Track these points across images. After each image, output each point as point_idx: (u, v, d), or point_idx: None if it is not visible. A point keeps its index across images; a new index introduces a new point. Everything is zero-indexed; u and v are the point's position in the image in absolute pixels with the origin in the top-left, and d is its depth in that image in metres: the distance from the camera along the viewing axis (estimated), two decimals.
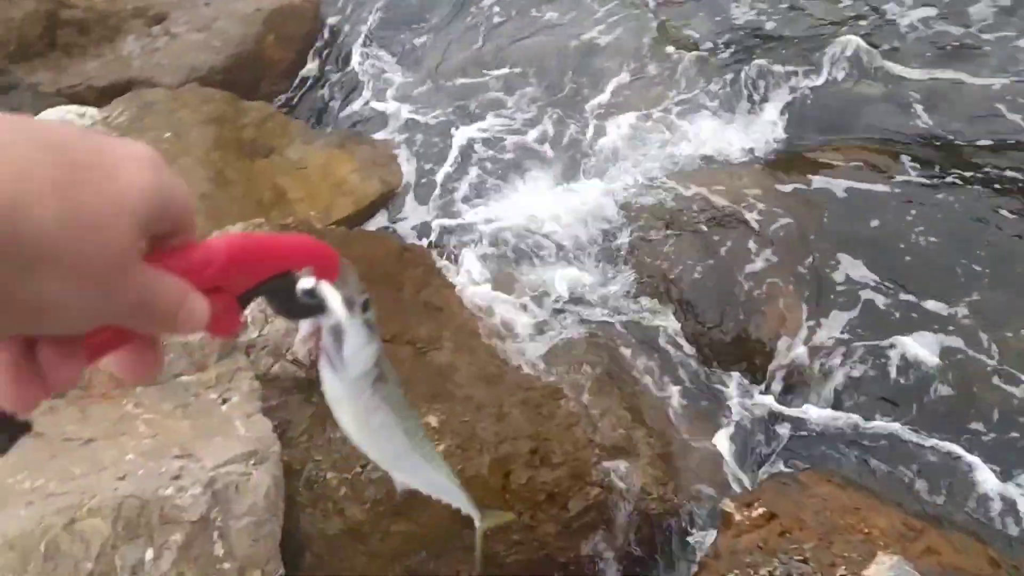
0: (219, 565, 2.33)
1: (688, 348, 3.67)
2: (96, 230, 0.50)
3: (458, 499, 1.00)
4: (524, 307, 3.85)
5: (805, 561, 2.71)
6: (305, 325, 0.69)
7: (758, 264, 3.72)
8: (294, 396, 3.16)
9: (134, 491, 2.22)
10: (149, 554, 2.20)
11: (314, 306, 0.67)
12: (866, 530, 2.85)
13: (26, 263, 0.47)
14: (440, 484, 0.92)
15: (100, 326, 0.55)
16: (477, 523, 1.24)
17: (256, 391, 2.88)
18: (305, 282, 0.65)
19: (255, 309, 3.10)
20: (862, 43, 4.66)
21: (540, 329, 3.76)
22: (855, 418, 3.36)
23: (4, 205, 0.45)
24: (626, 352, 3.68)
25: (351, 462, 3.06)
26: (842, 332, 3.59)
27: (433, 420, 3.14)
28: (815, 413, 3.45)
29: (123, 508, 2.19)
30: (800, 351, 3.53)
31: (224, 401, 2.74)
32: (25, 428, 0.55)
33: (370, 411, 0.74)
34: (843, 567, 2.67)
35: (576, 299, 3.94)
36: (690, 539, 3.30)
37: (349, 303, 0.68)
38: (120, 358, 0.60)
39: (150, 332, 0.59)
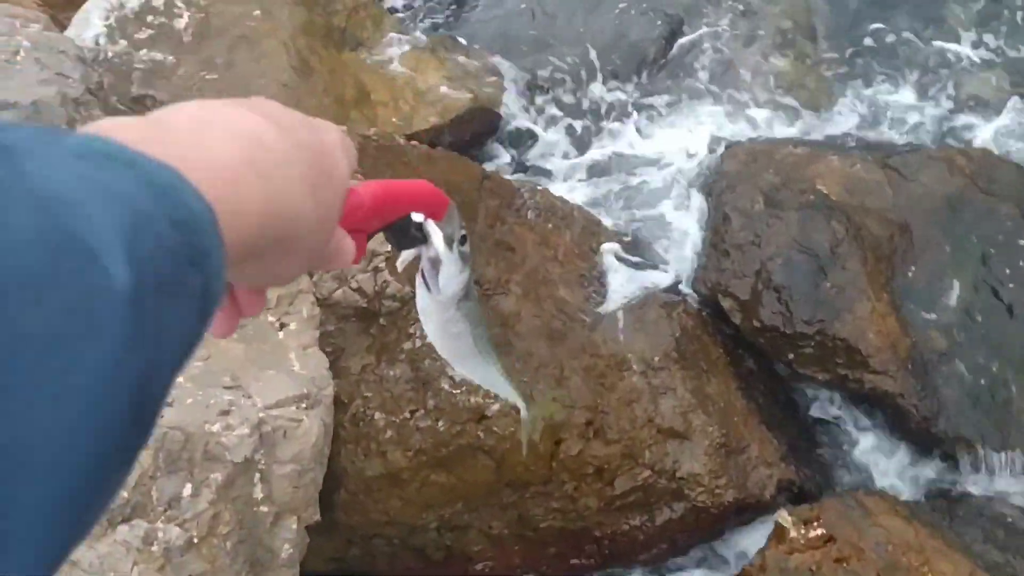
0: (256, 508, 2.23)
1: (765, 337, 3.44)
2: (331, 219, 0.61)
3: (507, 392, 1.20)
4: (600, 263, 3.63)
5: None
6: (409, 254, 0.81)
7: (854, 262, 3.45)
8: (351, 324, 3.02)
9: (180, 423, 2.10)
10: (187, 489, 2.09)
11: (419, 239, 0.78)
12: (929, 574, 2.68)
13: (291, 251, 0.57)
14: (493, 379, 1.11)
15: None
16: (523, 413, 1.44)
17: (315, 317, 2.74)
18: (415, 218, 0.76)
19: None
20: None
21: (613, 290, 3.55)
22: (944, 448, 3.14)
23: (289, 214, 0.55)
24: (699, 331, 3.47)
25: (401, 404, 2.93)
26: (936, 347, 3.34)
27: None
28: (897, 432, 3.24)
29: (167, 439, 2.07)
30: (887, 361, 3.29)
31: (282, 326, 2.60)
32: None
33: (451, 323, 0.87)
34: None
35: (657, 263, 3.71)
36: (735, 541, 3.16)
37: (449, 240, 0.78)
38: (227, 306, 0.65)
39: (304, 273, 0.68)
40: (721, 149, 3.99)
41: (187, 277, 0.43)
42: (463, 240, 0.80)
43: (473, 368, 1.01)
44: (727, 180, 3.76)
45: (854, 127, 4.13)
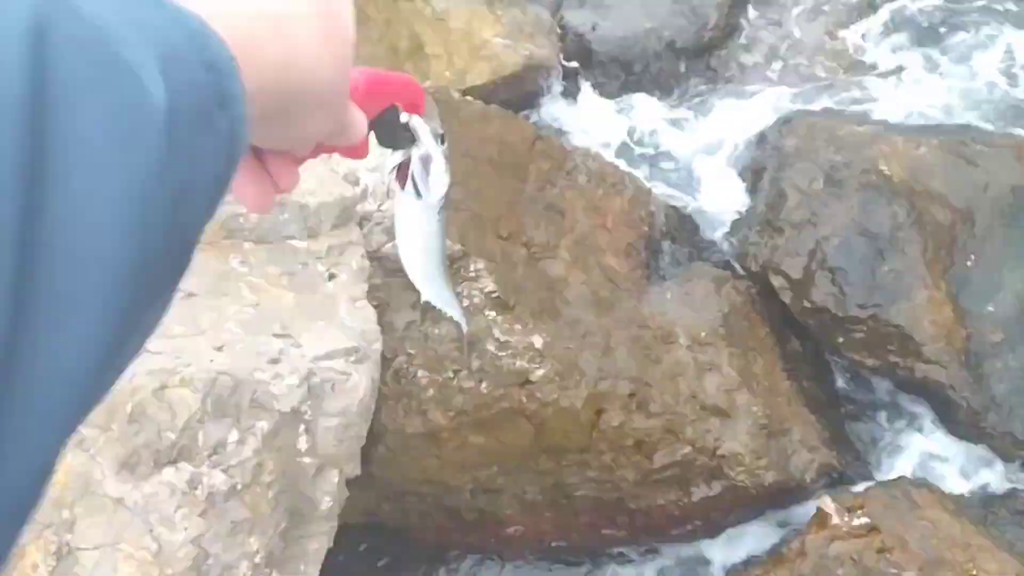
0: (299, 459, 2.21)
1: (815, 319, 3.36)
2: (346, 73, 0.60)
3: (455, 312, 1.21)
4: (650, 231, 3.56)
5: None
6: (397, 156, 0.80)
7: (914, 248, 3.34)
8: (398, 279, 2.97)
9: (230, 368, 2.07)
10: (233, 436, 2.07)
11: (407, 138, 0.78)
12: (974, 572, 2.62)
13: (312, 108, 0.58)
14: (447, 299, 1.11)
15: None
16: (464, 329, 1.55)
17: (365, 270, 2.70)
18: (404, 116, 0.76)
19: (378, 183, 2.87)
20: None
21: (662, 261, 3.48)
22: (993, 444, 3.06)
23: (305, 66, 0.55)
24: (747, 308, 3.39)
25: (445, 364, 2.89)
26: (991, 340, 3.25)
27: (537, 340, 2.93)
28: (947, 424, 3.16)
29: (216, 385, 2.04)
30: (940, 351, 3.20)
31: (331, 277, 2.56)
32: None
33: (431, 236, 0.88)
34: None
35: (707, 236, 3.63)
36: (773, 524, 3.11)
37: (437, 136, 0.78)
38: (261, 178, 0.65)
39: (325, 148, 0.66)
40: (781, 123, 3.88)
41: (215, 117, 0.44)
42: (442, 139, 0.80)
43: (434, 287, 1.02)
44: (786, 156, 3.65)
45: (921, 108, 3.99)
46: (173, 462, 2.00)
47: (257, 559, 2.08)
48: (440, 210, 0.84)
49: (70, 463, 1.91)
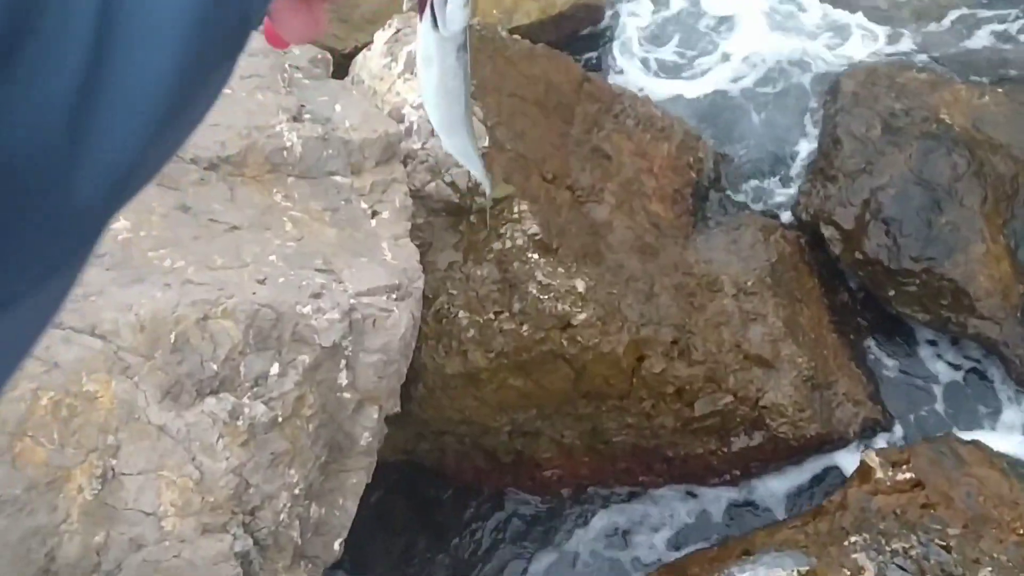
0: (340, 394, 2.21)
1: (866, 271, 3.27)
2: None
3: (477, 169, 1.16)
4: (697, 177, 3.47)
5: (947, 549, 2.46)
6: None
7: (972, 199, 3.23)
8: (441, 219, 2.94)
9: (271, 301, 2.07)
10: (275, 368, 2.07)
11: None
12: (1022, 531, 2.56)
13: None
14: (469, 154, 1.05)
15: None
16: (488, 192, 1.41)
17: (407, 208, 2.67)
18: None
19: (422, 118, 2.82)
20: None
21: (709, 209, 3.40)
22: None
23: None
24: (795, 258, 3.31)
25: (486, 305, 2.86)
26: None
27: (580, 284, 2.89)
28: (999, 382, 3.08)
29: (258, 317, 2.04)
30: (995, 307, 3.10)
31: (374, 214, 2.53)
32: None
33: (450, 73, 0.84)
34: (989, 568, 2.41)
35: (757, 184, 3.54)
36: (814, 477, 3.07)
37: None
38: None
39: None
40: (838, 68, 3.75)
41: None
42: None
43: (456, 138, 0.99)
44: (843, 102, 3.53)
45: (986, 57, 3.82)
46: (215, 392, 2.00)
47: (297, 491, 2.10)
48: (460, 48, 0.82)
49: (114, 389, 1.92)
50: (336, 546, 2.25)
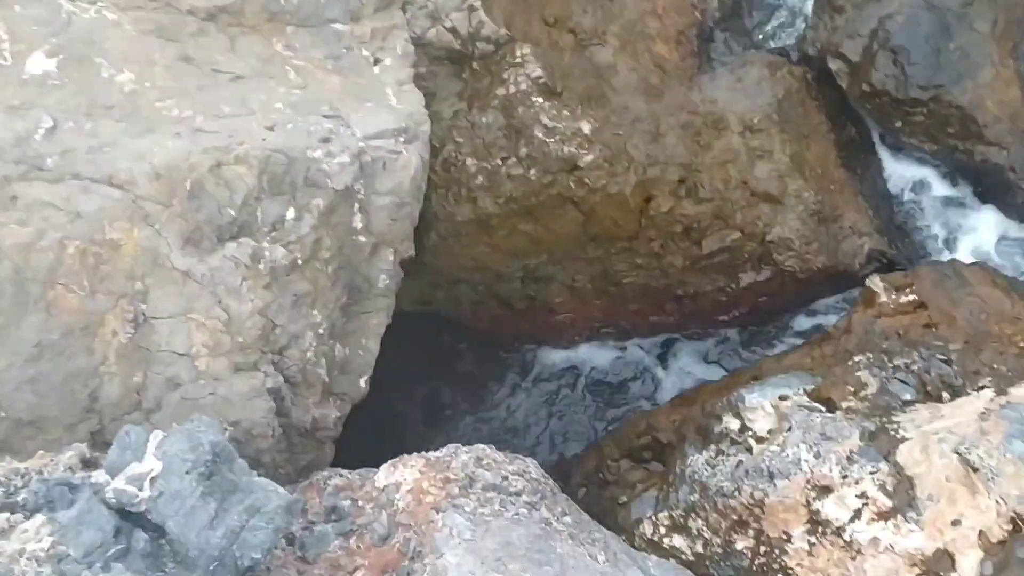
0: (355, 237, 2.27)
1: (873, 103, 3.25)
2: None
3: None
4: (702, 18, 3.41)
5: (948, 362, 2.54)
6: None
7: (983, 23, 3.16)
8: (444, 66, 2.92)
9: (282, 146, 2.10)
10: (291, 213, 2.12)
11: None
12: (1021, 343, 2.64)
13: None
14: None
15: None
16: None
17: (409, 55, 2.66)
18: None
19: None
20: None
21: (714, 47, 3.35)
22: None
23: None
24: (802, 94, 3.28)
25: (493, 152, 2.88)
26: None
27: (585, 126, 2.89)
28: (1004, 210, 3.11)
29: (270, 162, 2.07)
30: (1003, 132, 3.09)
31: (376, 61, 2.53)
32: None
33: None
34: (988, 378, 2.50)
35: (762, 19, 3.47)
36: (820, 306, 3.15)
37: None
38: None
39: None
40: None
41: None
42: None
43: None
44: None
45: None
46: (235, 237, 2.06)
47: (321, 330, 2.18)
48: None
49: (137, 237, 1.98)
50: (362, 383, 2.36)
